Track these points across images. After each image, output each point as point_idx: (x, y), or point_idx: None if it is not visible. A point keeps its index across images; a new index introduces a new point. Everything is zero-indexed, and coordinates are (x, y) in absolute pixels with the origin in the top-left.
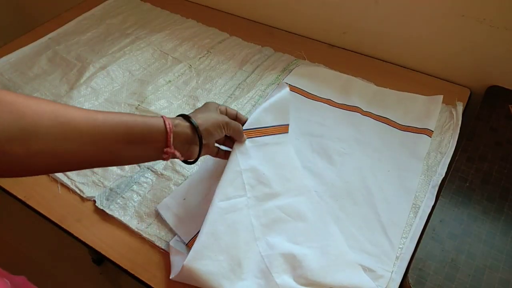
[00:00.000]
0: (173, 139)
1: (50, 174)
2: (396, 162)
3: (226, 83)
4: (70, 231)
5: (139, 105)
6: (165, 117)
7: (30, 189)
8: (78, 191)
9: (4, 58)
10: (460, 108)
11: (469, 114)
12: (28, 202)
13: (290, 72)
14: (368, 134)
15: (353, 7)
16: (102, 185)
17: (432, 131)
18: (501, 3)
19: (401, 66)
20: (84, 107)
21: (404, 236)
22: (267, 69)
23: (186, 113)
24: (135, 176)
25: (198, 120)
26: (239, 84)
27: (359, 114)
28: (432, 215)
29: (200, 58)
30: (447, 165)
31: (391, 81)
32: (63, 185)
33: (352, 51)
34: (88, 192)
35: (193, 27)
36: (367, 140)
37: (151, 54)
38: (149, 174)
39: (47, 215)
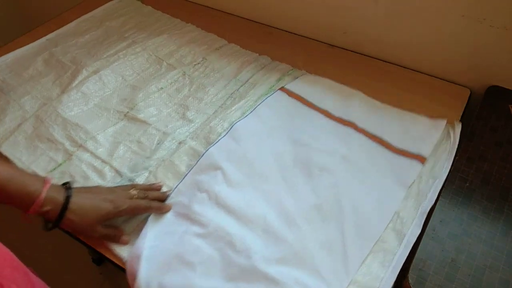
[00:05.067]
0: (35, 212)
1: None
2: (378, 186)
3: (219, 92)
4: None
5: (128, 112)
6: (43, 192)
7: None
8: None
9: (2, 58)
10: (458, 129)
11: (469, 114)
12: None
13: (285, 83)
14: (357, 152)
15: (353, 7)
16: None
17: (425, 158)
18: (501, 3)
19: (401, 66)
20: (72, 113)
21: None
22: (261, 78)
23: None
24: (134, 175)
25: (72, 215)
26: (232, 93)
27: (353, 130)
28: (432, 215)
29: (195, 65)
30: (438, 191)
31: (391, 81)
32: None
33: (352, 51)
34: None
35: (191, 32)
36: (354, 159)
37: (146, 59)
38: (147, 174)
39: None
